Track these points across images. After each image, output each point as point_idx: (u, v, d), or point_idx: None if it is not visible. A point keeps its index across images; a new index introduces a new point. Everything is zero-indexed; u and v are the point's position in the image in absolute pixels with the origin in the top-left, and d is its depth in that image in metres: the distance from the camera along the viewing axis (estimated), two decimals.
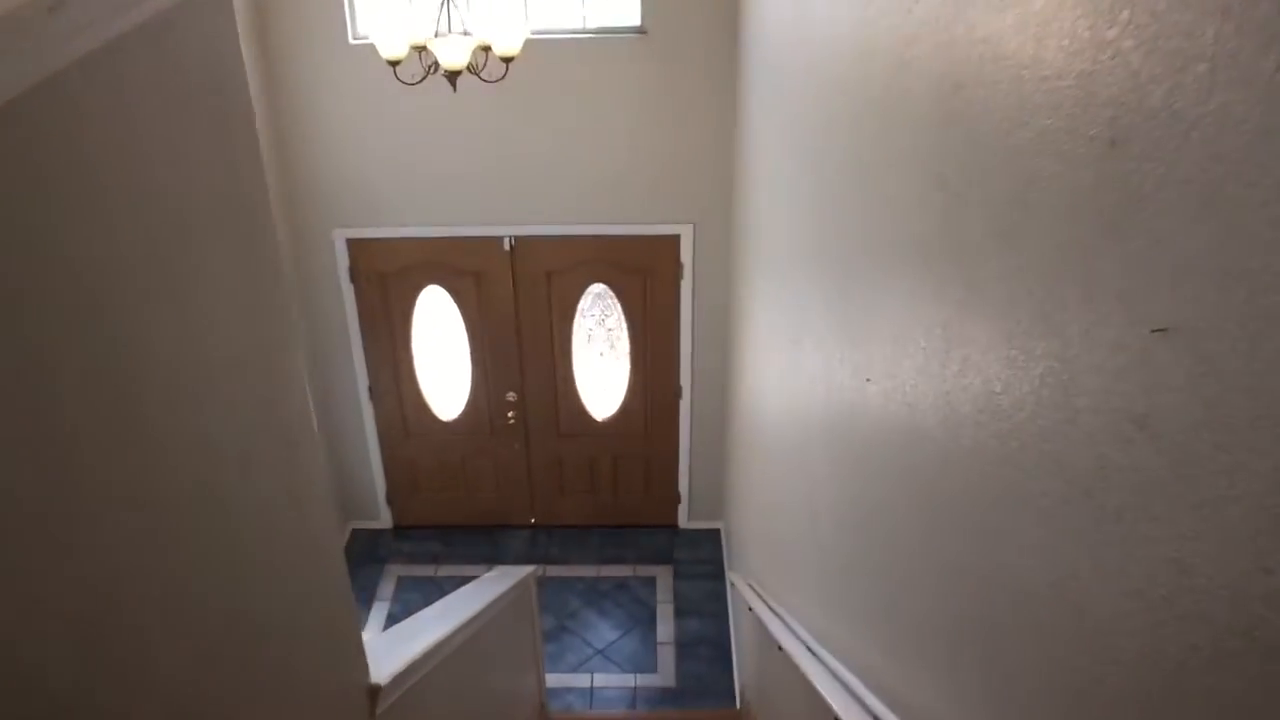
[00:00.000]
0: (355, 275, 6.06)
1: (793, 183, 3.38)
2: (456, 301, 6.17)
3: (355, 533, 6.95)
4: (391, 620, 6.22)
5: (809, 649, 2.99)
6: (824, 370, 2.74)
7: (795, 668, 2.93)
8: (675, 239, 5.90)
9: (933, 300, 1.68)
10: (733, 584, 5.12)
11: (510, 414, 6.52)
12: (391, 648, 2.56)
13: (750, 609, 4.26)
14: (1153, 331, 0.96)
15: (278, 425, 1.63)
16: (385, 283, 6.10)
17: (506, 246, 5.94)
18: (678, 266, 5.96)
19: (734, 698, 5.65)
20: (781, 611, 3.74)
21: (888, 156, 1.98)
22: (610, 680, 5.81)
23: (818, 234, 2.86)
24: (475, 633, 3.51)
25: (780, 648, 3.09)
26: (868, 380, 2.20)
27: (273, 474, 1.60)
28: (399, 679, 2.25)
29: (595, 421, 6.60)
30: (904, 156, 1.85)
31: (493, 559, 6.70)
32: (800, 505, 3.32)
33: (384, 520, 6.98)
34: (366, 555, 6.76)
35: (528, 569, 4.78)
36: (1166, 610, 0.97)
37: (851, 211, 2.39)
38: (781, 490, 3.81)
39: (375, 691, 2.13)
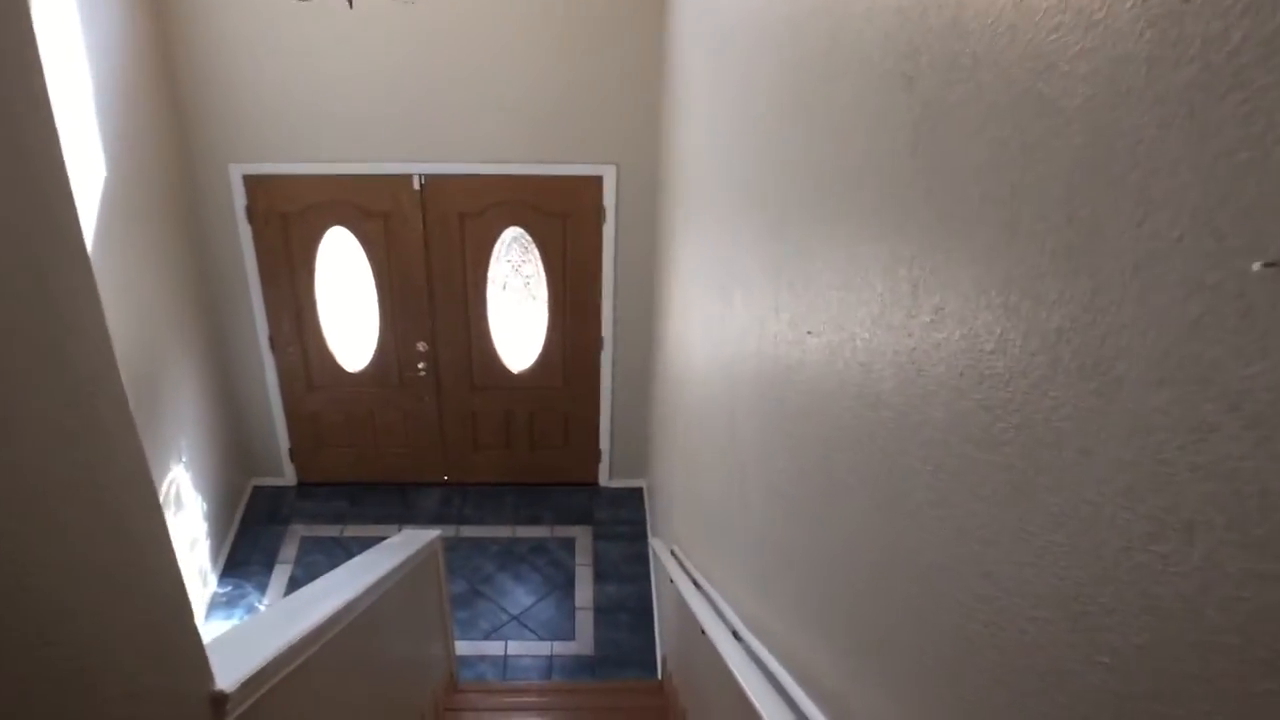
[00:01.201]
0: (253, 215, 5.60)
1: (722, 114, 3.03)
2: (363, 245, 5.75)
3: (257, 490, 6.53)
4: (293, 584, 5.84)
5: (734, 634, 2.68)
6: (756, 322, 2.42)
7: (720, 656, 2.63)
8: (597, 180, 5.52)
9: (895, 235, 1.36)
10: (654, 551, 4.83)
11: (421, 365, 6.12)
12: (259, 638, 2.20)
13: (671, 581, 3.96)
14: (1265, 266, 0.63)
15: (58, 384, 1.26)
16: (286, 224, 5.65)
17: (416, 185, 5.52)
18: (600, 210, 5.60)
19: (655, 667, 5.37)
20: (706, 587, 3.44)
21: (837, 62, 1.64)
22: (525, 648, 5.50)
23: (751, 169, 2.53)
24: (368, 608, 3.17)
25: (703, 631, 2.79)
26: (809, 333, 1.88)
27: (49, 447, 1.23)
28: (255, 680, 1.90)
29: (512, 374, 6.24)
30: (858, 57, 1.51)
31: (403, 519, 6.34)
32: (727, 470, 3.02)
33: (287, 477, 6.57)
34: (268, 514, 6.35)
35: (433, 532, 4.43)
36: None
37: (790, 139, 2.06)
38: (707, 452, 3.51)
39: (221, 700, 1.78)
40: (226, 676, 1.83)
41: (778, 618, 2.36)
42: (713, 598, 3.36)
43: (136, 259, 4.83)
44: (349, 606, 2.78)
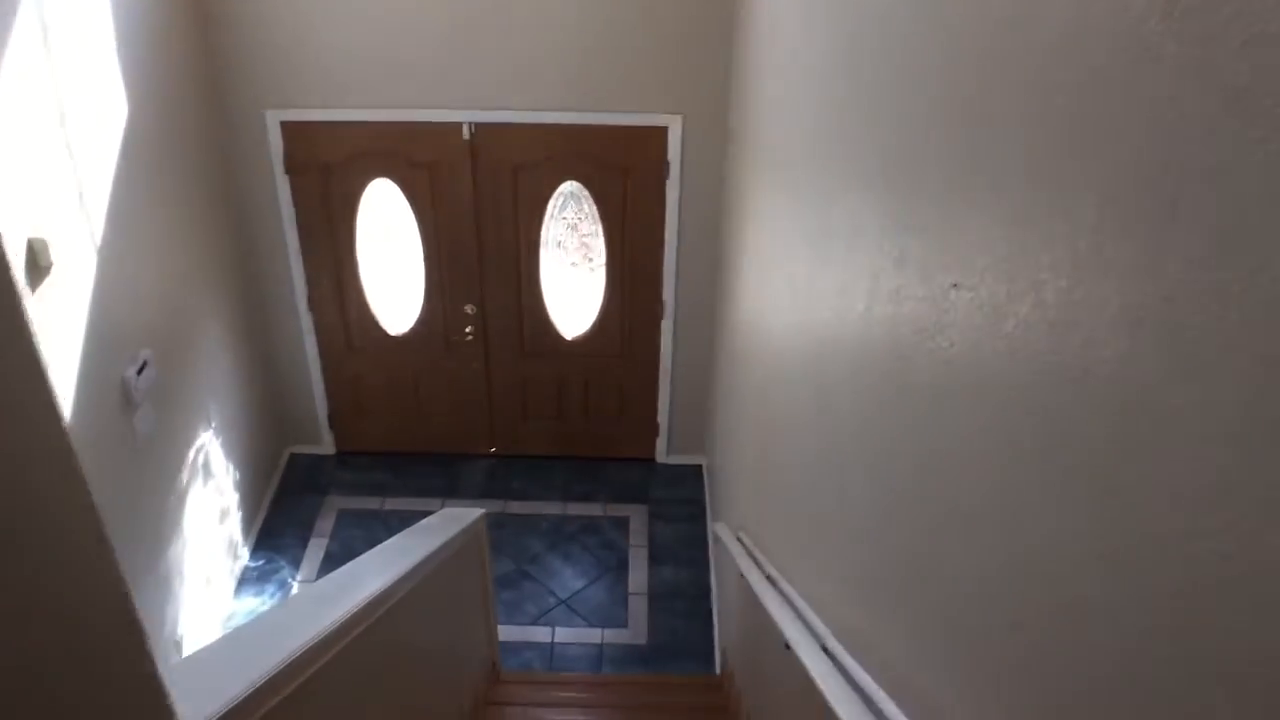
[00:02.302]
0: (291, 165, 5.22)
1: (823, 55, 2.58)
2: (408, 198, 5.35)
3: (294, 458, 6.20)
4: (329, 560, 5.49)
5: (823, 648, 2.25)
6: (865, 276, 1.98)
7: (802, 666, 2.20)
8: (661, 132, 5.08)
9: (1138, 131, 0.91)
10: (718, 537, 4.41)
11: (468, 329, 5.73)
12: (254, 654, 1.81)
13: (741, 575, 3.54)
14: None
15: None
16: (326, 175, 5.27)
17: (466, 135, 5.11)
18: (664, 164, 5.15)
19: (713, 660, 4.96)
20: (784, 584, 3.01)
21: None
22: (574, 635, 5.12)
23: (866, 105, 2.07)
24: (398, 603, 2.79)
25: (787, 646, 2.36)
26: (954, 286, 1.43)
27: None
28: (239, 713, 1.51)
29: (565, 340, 5.82)
30: None
31: (447, 491, 5.97)
32: (814, 453, 2.59)
33: (325, 445, 6.22)
34: (305, 484, 6.01)
35: (476, 512, 4.04)
36: None
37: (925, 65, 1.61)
38: (786, 431, 3.07)
39: None
40: (199, 711, 1.44)
41: (884, 634, 1.93)
42: (792, 598, 2.94)
43: (162, 208, 4.48)
44: (372, 604, 2.38)
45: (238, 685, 1.55)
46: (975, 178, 1.36)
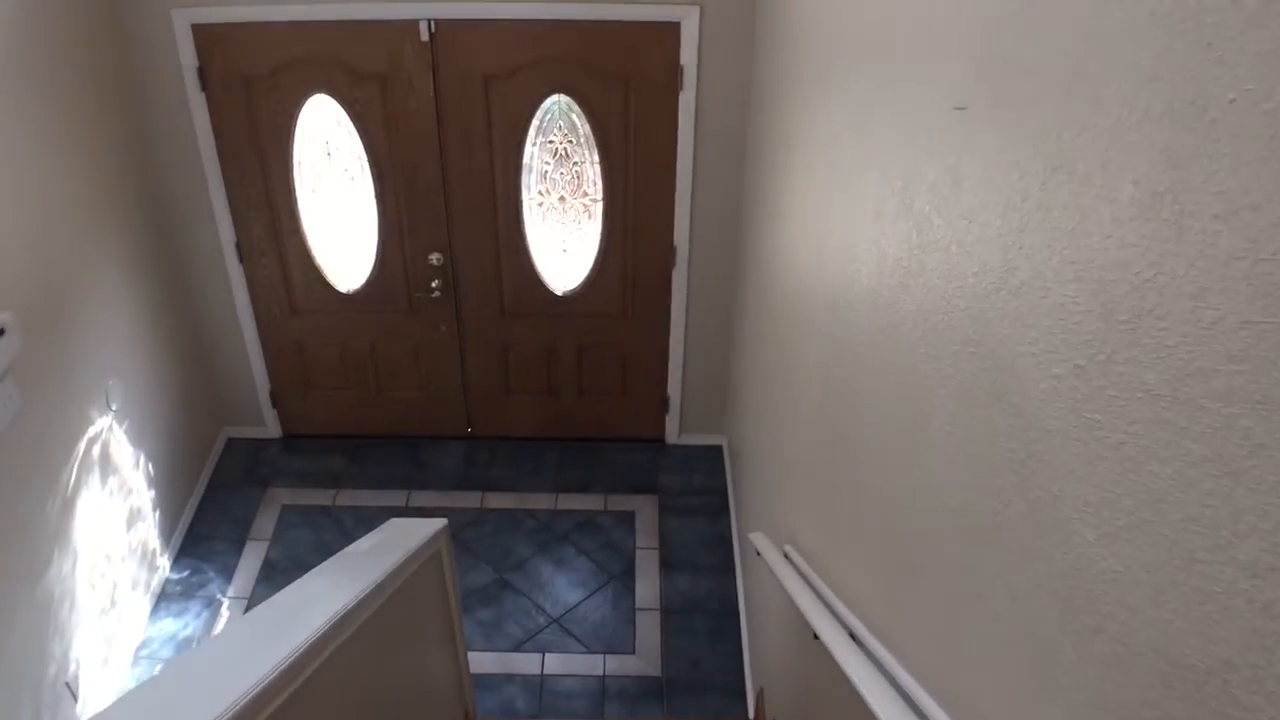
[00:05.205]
0: (207, 79, 4.15)
1: None
2: (354, 120, 4.27)
3: (231, 443, 5.15)
4: (268, 568, 4.47)
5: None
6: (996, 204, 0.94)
7: None
8: (672, 29, 4.00)
9: None
10: (757, 551, 3.37)
11: (435, 284, 4.66)
12: None
13: (808, 620, 2.50)
14: None
15: None
16: (251, 91, 4.19)
17: (424, 35, 4.03)
18: (675, 70, 4.07)
19: (743, 697, 3.95)
20: (863, 633, 2.00)
21: None
22: (569, 664, 4.09)
23: None
24: (323, 663, 1.89)
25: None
26: None
27: None
28: None
29: (555, 296, 4.75)
30: None
31: (412, 482, 4.93)
32: (900, 442, 1.59)
33: (269, 428, 5.17)
34: (242, 474, 4.97)
35: (434, 524, 3.01)
36: None
37: None
38: (877, 433, 2.04)
39: None
40: None
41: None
42: (874, 651, 1.93)
43: (36, 134, 3.44)
44: (299, 661, 1.50)
45: None
46: None
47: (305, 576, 2.58)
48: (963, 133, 1.51)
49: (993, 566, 1.40)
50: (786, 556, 3.05)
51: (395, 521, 3.15)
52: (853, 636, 2.16)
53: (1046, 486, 1.23)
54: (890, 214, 1.91)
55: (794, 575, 2.81)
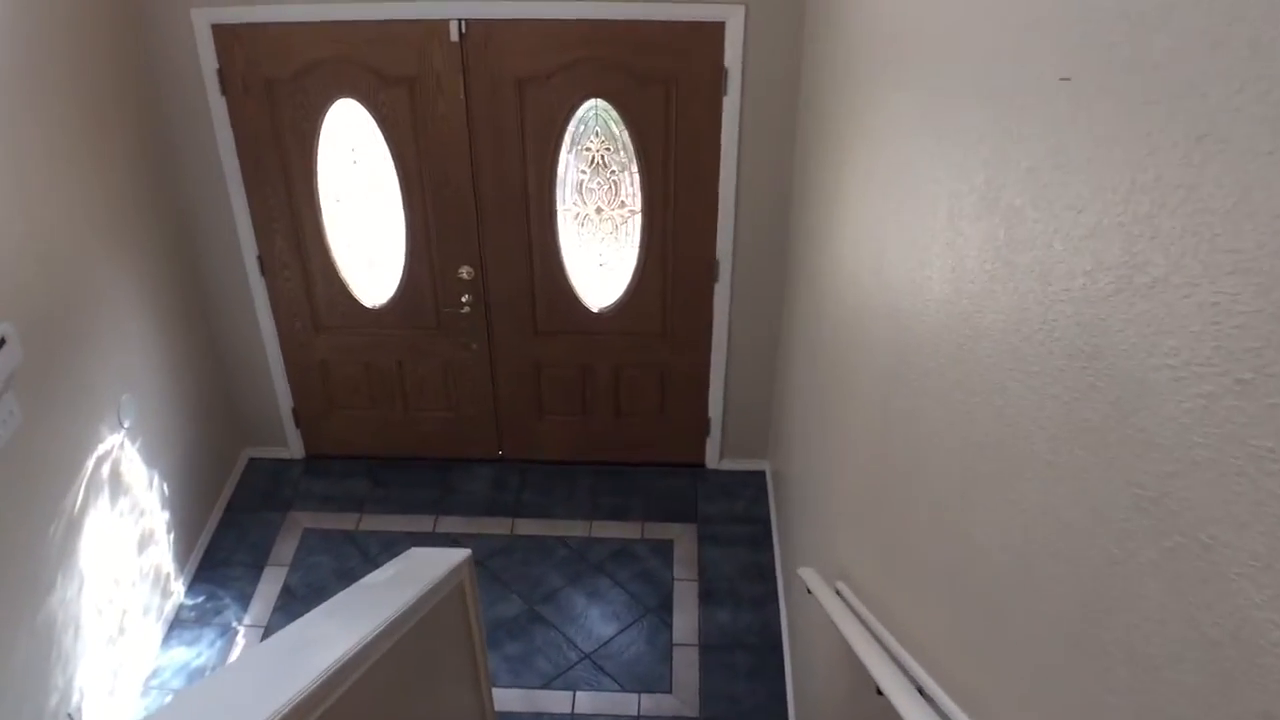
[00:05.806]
0: (228, 82, 3.97)
1: None
2: (381, 126, 4.07)
3: (253, 463, 4.95)
4: (287, 595, 4.26)
5: None
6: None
7: None
8: (717, 29, 3.78)
9: None
10: (809, 590, 3.11)
11: (465, 299, 4.45)
12: None
13: (849, 646, 2.23)
14: None
15: None
16: (273, 94, 4.01)
17: (455, 35, 3.83)
18: (719, 73, 3.85)
19: None
20: (929, 683, 1.75)
21: None
22: (602, 703, 3.84)
23: None
24: (346, 693, 1.68)
25: None
26: None
27: None
28: None
29: (590, 313, 4.52)
30: None
31: (439, 507, 4.71)
32: (980, 473, 1.33)
33: (292, 448, 4.97)
34: (263, 497, 4.77)
35: (457, 555, 2.77)
36: None
37: None
38: (917, 433, 1.80)
39: None
40: None
41: None
42: (948, 711, 1.68)
43: (48, 138, 3.28)
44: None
45: None
46: None
47: (315, 611, 2.37)
48: (1067, 107, 1.27)
49: (1111, 630, 1.15)
50: (838, 593, 2.79)
51: (415, 551, 2.92)
52: (921, 692, 1.90)
53: (1191, 532, 0.97)
54: (969, 212, 1.67)
55: (851, 618, 2.54)
